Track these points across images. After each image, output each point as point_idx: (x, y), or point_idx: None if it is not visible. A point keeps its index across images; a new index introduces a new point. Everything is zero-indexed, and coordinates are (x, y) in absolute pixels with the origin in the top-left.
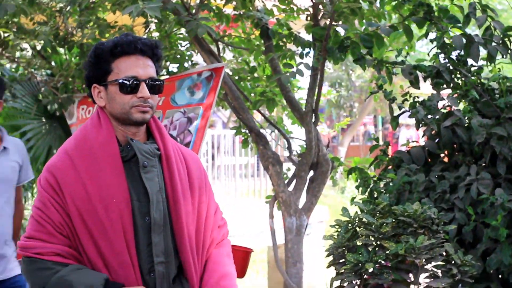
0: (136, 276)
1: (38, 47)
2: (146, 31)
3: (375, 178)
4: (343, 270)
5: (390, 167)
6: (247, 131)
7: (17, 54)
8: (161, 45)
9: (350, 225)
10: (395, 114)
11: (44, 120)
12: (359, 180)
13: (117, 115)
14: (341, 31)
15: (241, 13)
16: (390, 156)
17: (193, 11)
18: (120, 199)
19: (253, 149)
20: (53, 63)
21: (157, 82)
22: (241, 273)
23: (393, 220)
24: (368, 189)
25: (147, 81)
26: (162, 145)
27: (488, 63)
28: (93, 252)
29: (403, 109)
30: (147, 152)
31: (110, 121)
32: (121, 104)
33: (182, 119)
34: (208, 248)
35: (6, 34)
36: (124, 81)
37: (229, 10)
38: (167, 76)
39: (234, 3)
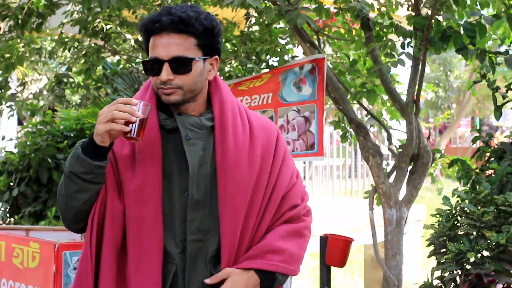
0: (155, 260)
1: (141, 39)
2: (247, 23)
3: (477, 170)
4: (444, 260)
5: (492, 158)
6: (346, 125)
7: (119, 47)
8: (203, 15)
9: (451, 214)
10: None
11: None
12: (460, 172)
13: None
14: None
15: (341, 7)
16: (492, 147)
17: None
18: (152, 173)
19: (352, 144)
20: None
21: (180, 60)
22: (341, 262)
23: (495, 209)
24: (470, 181)
25: (169, 61)
26: (218, 115)
27: None
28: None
29: (507, 99)
30: (193, 124)
31: (155, 94)
32: (153, 85)
33: (299, 119)
34: (273, 223)
35: (108, 27)
36: (145, 63)
37: (328, 4)
38: (267, 70)
39: None
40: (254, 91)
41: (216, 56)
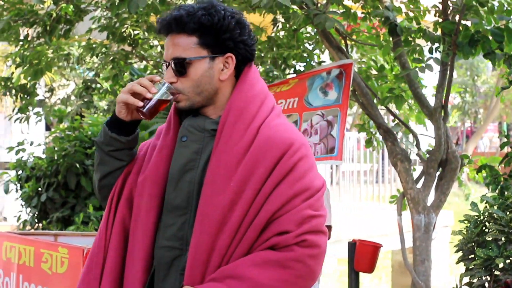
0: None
1: None
2: (274, 29)
3: (505, 175)
4: (472, 266)
5: None
6: (372, 130)
7: (147, 53)
8: (203, 11)
9: (479, 220)
10: None
11: None
12: (488, 178)
13: None
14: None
15: (369, 12)
16: None
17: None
18: (154, 175)
19: (377, 149)
20: None
21: (176, 62)
22: (370, 268)
23: None
24: (499, 187)
25: (170, 63)
26: (222, 119)
27: None
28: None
29: None
30: (194, 126)
31: None
32: None
33: (322, 123)
34: (256, 247)
35: (136, 33)
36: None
37: (355, 9)
38: (294, 75)
39: (361, 2)
40: (280, 96)
41: (230, 54)
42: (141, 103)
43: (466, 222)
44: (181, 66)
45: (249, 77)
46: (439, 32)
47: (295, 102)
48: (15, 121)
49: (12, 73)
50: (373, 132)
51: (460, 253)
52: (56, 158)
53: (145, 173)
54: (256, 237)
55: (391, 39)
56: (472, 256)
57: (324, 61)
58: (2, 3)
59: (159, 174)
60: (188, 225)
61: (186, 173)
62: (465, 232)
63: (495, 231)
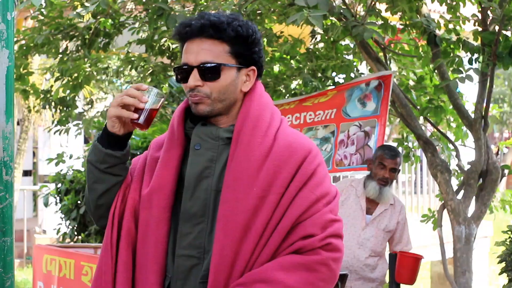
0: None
1: None
2: (313, 40)
3: None
4: None
5: None
6: (410, 144)
7: None
8: (237, 21)
9: None
10: None
11: None
12: None
13: None
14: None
15: (407, 23)
16: None
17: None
18: (163, 187)
19: (414, 163)
20: None
21: (208, 66)
22: (411, 279)
23: None
24: None
25: (199, 67)
26: (238, 127)
27: None
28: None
29: None
30: (207, 134)
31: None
32: (185, 94)
33: (359, 133)
34: (280, 252)
35: (174, 46)
36: (176, 70)
37: (394, 21)
38: (333, 86)
39: (399, 14)
40: (318, 107)
41: (253, 67)
42: (135, 115)
43: (509, 232)
44: (213, 72)
45: (257, 88)
46: (478, 43)
47: (333, 113)
48: (54, 133)
49: (51, 86)
50: (411, 147)
51: (502, 264)
52: None
53: (150, 185)
54: (281, 241)
55: (430, 50)
56: None
57: (363, 73)
58: (42, 17)
59: (167, 185)
60: (206, 233)
61: (202, 181)
62: (508, 243)
63: None
